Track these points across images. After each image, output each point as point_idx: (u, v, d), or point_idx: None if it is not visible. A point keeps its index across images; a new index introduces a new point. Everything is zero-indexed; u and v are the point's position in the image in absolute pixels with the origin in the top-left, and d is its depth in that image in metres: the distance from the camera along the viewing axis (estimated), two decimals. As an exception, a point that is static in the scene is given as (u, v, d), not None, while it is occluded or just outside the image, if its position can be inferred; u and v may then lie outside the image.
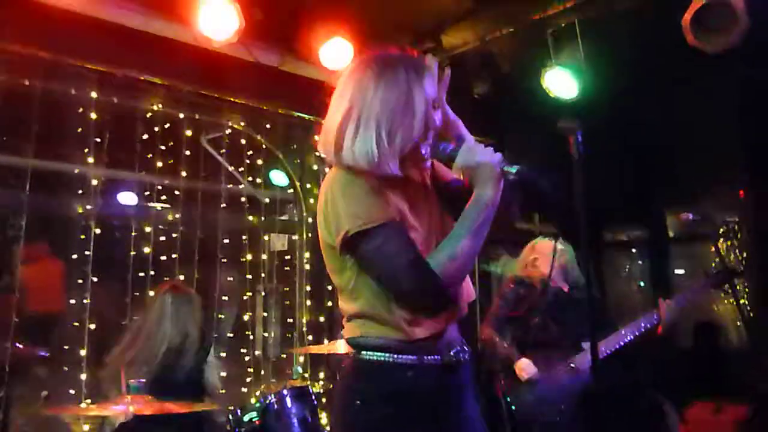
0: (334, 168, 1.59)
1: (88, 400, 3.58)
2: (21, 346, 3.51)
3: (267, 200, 4.86)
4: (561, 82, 3.85)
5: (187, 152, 4.26)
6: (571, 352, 3.13)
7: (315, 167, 4.73)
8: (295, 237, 4.94)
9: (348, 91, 1.58)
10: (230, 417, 2.55)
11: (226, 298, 4.49)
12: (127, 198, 4.34)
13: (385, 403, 1.54)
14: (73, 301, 3.93)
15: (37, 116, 3.51)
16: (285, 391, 2.57)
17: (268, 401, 2.50)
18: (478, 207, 1.56)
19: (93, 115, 3.77)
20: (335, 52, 3.62)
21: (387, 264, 1.48)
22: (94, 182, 3.87)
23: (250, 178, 4.79)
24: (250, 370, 4.53)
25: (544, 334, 3.10)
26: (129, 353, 2.85)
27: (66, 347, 3.80)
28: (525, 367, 3.11)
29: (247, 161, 4.63)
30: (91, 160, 3.86)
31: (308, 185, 4.84)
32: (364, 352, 1.57)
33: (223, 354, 4.15)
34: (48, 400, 4.03)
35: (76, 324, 3.77)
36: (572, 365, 3.10)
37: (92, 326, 3.70)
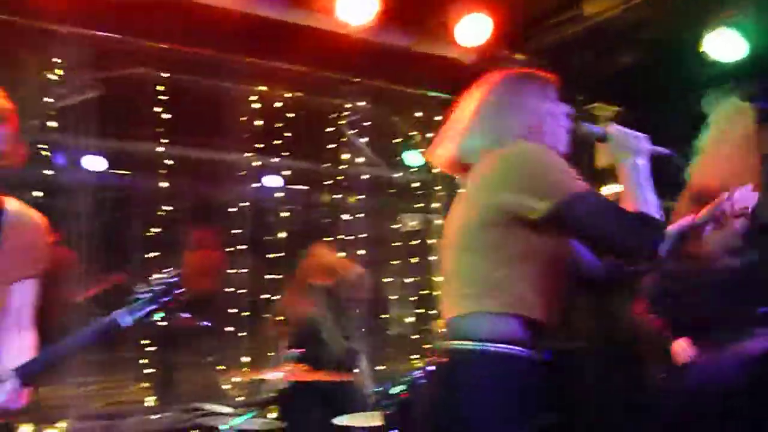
0: (515, 143, 1.60)
1: (248, 367, 3.94)
2: (185, 316, 3.94)
3: (404, 180, 4.94)
4: (724, 43, 3.48)
5: (327, 137, 4.46)
6: (738, 335, 2.86)
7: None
8: (431, 216, 4.99)
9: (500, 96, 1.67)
10: (377, 390, 2.65)
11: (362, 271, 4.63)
12: (276, 181, 4.62)
13: (519, 397, 1.52)
14: (231, 270, 4.31)
15: (197, 109, 3.86)
16: (433, 366, 2.61)
17: (414, 376, 2.57)
18: (643, 174, 1.58)
19: (251, 106, 4.06)
20: (472, 28, 3.58)
21: (611, 221, 1.51)
22: (256, 163, 4.17)
23: (387, 160, 4.89)
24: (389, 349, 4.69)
25: (705, 313, 2.86)
26: (284, 327, 3.08)
27: (226, 318, 4.15)
28: (682, 351, 2.90)
29: (385, 142, 4.73)
30: (243, 147, 4.17)
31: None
32: (494, 345, 1.53)
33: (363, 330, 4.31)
34: (211, 366, 4.50)
35: (238, 295, 4.13)
36: (740, 350, 2.83)
37: (249, 300, 4.04)
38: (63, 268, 3.40)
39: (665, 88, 4.34)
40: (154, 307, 1.68)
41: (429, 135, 4.81)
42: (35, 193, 3.82)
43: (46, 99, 3.81)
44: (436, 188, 4.91)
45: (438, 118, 4.69)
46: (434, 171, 4.91)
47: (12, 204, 1.80)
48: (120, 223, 4.04)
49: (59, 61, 3.81)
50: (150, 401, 4.05)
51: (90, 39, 3.47)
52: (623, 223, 1.50)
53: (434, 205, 4.97)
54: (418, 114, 4.61)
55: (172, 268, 1.74)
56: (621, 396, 3.13)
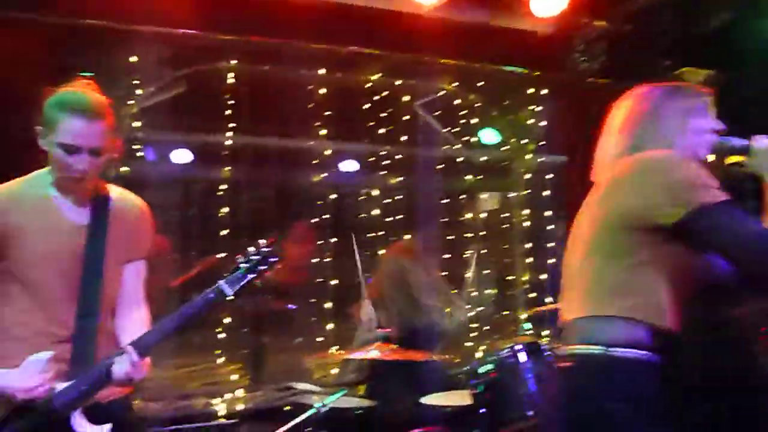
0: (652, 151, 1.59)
1: (335, 347, 4.05)
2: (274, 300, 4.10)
3: (481, 159, 4.88)
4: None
5: (404, 118, 4.46)
6: None
7: (530, 121, 4.62)
8: (512, 194, 4.91)
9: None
10: (466, 368, 2.66)
11: (447, 256, 4.63)
12: (353, 166, 4.68)
13: (649, 403, 1.50)
14: (316, 260, 4.43)
15: (275, 99, 3.96)
16: (518, 346, 2.59)
17: (502, 355, 2.55)
18: None
19: (321, 91, 4.12)
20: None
21: (738, 239, 1.48)
22: (327, 152, 4.26)
23: (464, 138, 4.84)
24: (474, 327, 4.67)
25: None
26: (371, 307, 3.14)
27: (313, 301, 4.27)
28: None
29: (461, 121, 4.68)
30: (321, 133, 4.24)
31: (523, 141, 4.74)
32: (622, 350, 1.51)
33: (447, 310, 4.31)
34: (300, 348, 4.66)
35: (321, 280, 4.24)
36: None
37: (333, 282, 4.15)
38: (159, 255, 3.59)
39: (757, 50, 4.05)
40: (253, 275, 1.74)
41: (506, 112, 4.73)
42: (130, 188, 4.06)
43: (137, 92, 4.02)
44: (514, 167, 4.83)
45: (516, 93, 4.61)
46: (512, 149, 4.83)
47: (115, 191, 1.91)
48: (207, 213, 4.22)
49: (142, 60, 4.01)
50: (243, 382, 4.24)
51: (170, 37, 3.61)
52: (753, 244, 1.46)
53: (513, 184, 4.89)
54: (495, 91, 4.53)
55: (267, 240, 1.80)
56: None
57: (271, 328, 4.34)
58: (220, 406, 3.82)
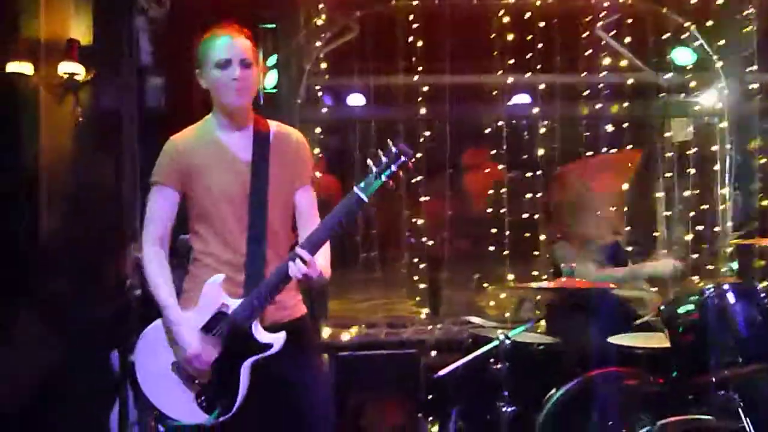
0: None
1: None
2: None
3: (674, 83, 4.39)
4: None
5: (583, 43, 4.15)
6: None
7: (744, 30, 4.01)
8: (710, 120, 4.37)
9: None
10: (662, 307, 2.48)
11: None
12: (530, 99, 4.48)
13: None
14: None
15: (449, 34, 3.89)
16: (726, 286, 2.35)
17: (706, 296, 2.33)
18: None
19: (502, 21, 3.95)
20: None
21: None
22: (509, 81, 4.13)
23: (654, 60, 4.36)
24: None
25: None
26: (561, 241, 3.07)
27: (493, 231, 4.25)
28: None
29: (648, 42, 4.22)
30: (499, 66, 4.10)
31: (729, 56, 4.15)
32: None
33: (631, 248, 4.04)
34: (478, 284, 4.73)
35: (499, 214, 4.21)
36: None
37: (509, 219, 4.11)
38: (329, 195, 3.81)
39: None
40: (385, 177, 1.79)
41: (707, 24, 4.15)
42: (316, 130, 4.32)
43: (317, 44, 4.21)
44: (717, 87, 4.26)
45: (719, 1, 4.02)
46: (712, 70, 4.27)
47: (273, 125, 2.10)
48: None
49: (322, 6, 4.15)
50: (422, 316, 4.43)
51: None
52: None
53: (712, 110, 4.34)
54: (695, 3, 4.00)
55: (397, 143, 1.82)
56: None
57: (450, 264, 4.44)
58: (403, 337, 4.05)
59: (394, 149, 1.79)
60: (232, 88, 1.97)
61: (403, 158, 1.78)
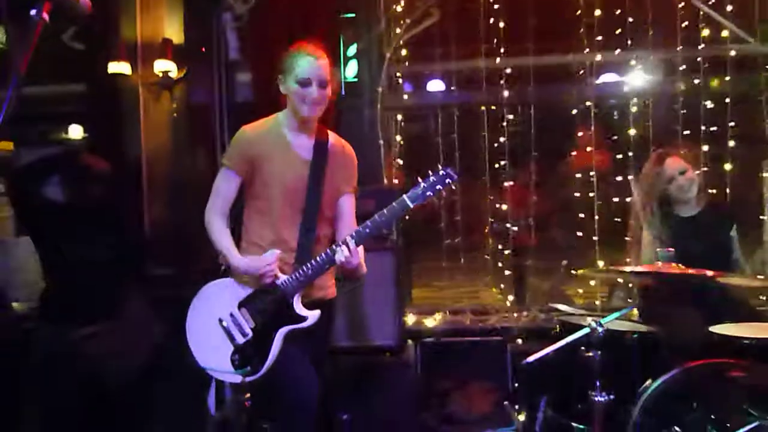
0: None
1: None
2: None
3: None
4: None
5: (680, 15, 3.89)
6: None
7: None
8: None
9: None
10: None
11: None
12: (619, 77, 4.28)
13: None
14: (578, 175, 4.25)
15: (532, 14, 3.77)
16: None
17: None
18: None
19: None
20: None
21: None
22: (598, 58, 4.00)
23: (757, 32, 4.03)
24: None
25: None
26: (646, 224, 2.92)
27: (582, 216, 4.12)
28: None
29: (754, 10, 3.90)
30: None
31: None
32: None
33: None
34: (566, 270, 4.59)
35: (588, 198, 4.06)
36: None
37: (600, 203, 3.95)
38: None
39: None
40: (431, 193, 2.14)
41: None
42: (398, 117, 4.33)
43: (396, 31, 4.20)
44: None
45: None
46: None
47: (332, 136, 2.44)
48: (468, 138, 4.29)
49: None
50: (507, 303, 4.34)
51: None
52: None
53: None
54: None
55: (447, 167, 2.16)
56: None
57: (532, 251, 4.34)
58: (488, 324, 3.99)
59: (442, 171, 2.14)
60: (308, 104, 2.28)
61: (447, 180, 2.14)
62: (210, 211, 2.37)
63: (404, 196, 2.14)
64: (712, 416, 2.26)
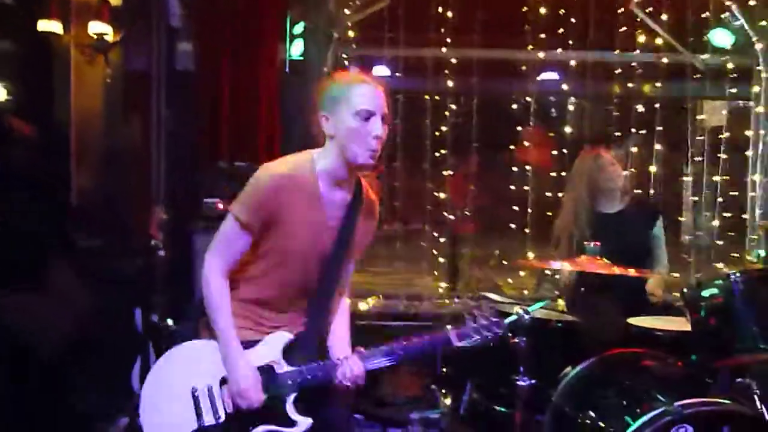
0: None
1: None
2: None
3: (710, 65, 4.27)
4: None
5: (617, 20, 4.05)
6: None
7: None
8: (747, 104, 4.26)
9: None
10: (686, 290, 2.45)
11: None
12: (560, 75, 4.41)
13: None
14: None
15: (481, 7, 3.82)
16: (752, 272, 2.31)
17: (732, 280, 2.29)
18: None
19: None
20: None
21: None
22: (539, 56, 4.08)
23: (688, 42, 4.25)
24: (685, 256, 4.28)
25: None
26: (571, 218, 3.04)
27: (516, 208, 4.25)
28: None
29: (686, 21, 4.10)
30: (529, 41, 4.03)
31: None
32: None
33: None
34: (497, 260, 4.72)
35: (522, 191, 4.19)
36: None
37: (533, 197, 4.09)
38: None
39: None
40: (478, 341, 1.88)
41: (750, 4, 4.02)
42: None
43: (345, 12, 4.16)
44: (757, 69, 4.14)
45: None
46: (751, 53, 4.14)
47: (368, 191, 1.94)
48: (411, 125, 4.32)
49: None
50: (440, 289, 4.44)
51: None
52: None
53: (753, 91, 4.22)
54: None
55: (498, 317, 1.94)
56: None
57: (469, 241, 4.44)
58: (421, 309, 4.07)
59: (494, 321, 1.90)
60: (370, 146, 1.76)
61: (498, 331, 1.90)
62: (211, 268, 1.85)
63: (450, 332, 1.87)
64: (624, 402, 2.38)
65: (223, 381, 1.83)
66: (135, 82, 3.86)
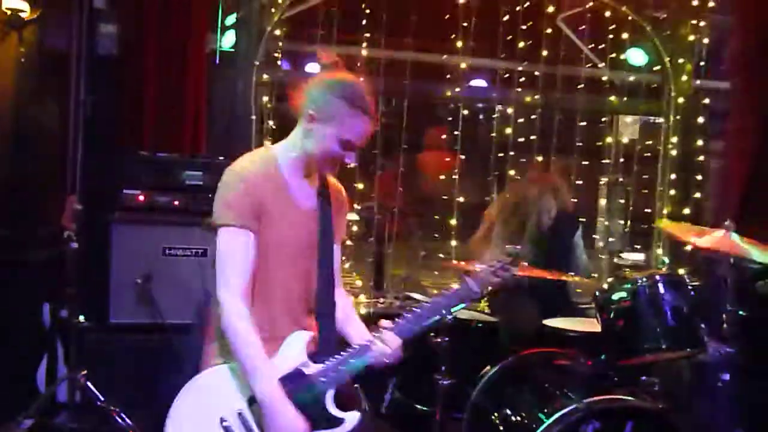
0: None
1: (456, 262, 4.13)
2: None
3: (626, 81, 4.54)
4: None
5: (546, 33, 4.22)
6: None
7: (690, 38, 4.19)
8: (658, 121, 4.55)
9: None
10: (597, 293, 2.58)
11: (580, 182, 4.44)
12: (487, 82, 4.55)
13: None
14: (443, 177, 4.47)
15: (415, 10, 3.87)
16: (658, 277, 2.47)
17: (639, 284, 2.45)
18: None
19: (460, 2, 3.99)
20: None
21: None
22: (463, 66, 4.17)
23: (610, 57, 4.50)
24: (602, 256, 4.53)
25: None
26: (502, 227, 3.14)
27: (437, 217, 4.33)
28: None
29: (610, 37, 4.35)
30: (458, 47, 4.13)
31: (679, 60, 4.33)
32: None
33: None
34: (422, 261, 4.79)
35: (445, 198, 4.28)
36: None
37: (460, 199, 4.17)
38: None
39: None
40: (497, 282, 1.88)
41: (662, 28, 4.31)
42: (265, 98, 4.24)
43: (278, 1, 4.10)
44: (666, 89, 4.43)
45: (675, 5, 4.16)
46: (664, 70, 4.43)
47: (331, 179, 1.98)
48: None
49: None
50: (366, 288, 4.46)
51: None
52: None
53: (661, 108, 4.51)
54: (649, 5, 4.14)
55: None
56: None
57: (399, 240, 4.49)
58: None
59: (507, 260, 1.88)
60: (335, 164, 1.86)
61: (513, 269, 1.88)
62: (225, 294, 1.71)
63: (468, 279, 1.83)
64: (538, 399, 2.49)
65: (251, 401, 1.70)
66: (52, 64, 3.63)
